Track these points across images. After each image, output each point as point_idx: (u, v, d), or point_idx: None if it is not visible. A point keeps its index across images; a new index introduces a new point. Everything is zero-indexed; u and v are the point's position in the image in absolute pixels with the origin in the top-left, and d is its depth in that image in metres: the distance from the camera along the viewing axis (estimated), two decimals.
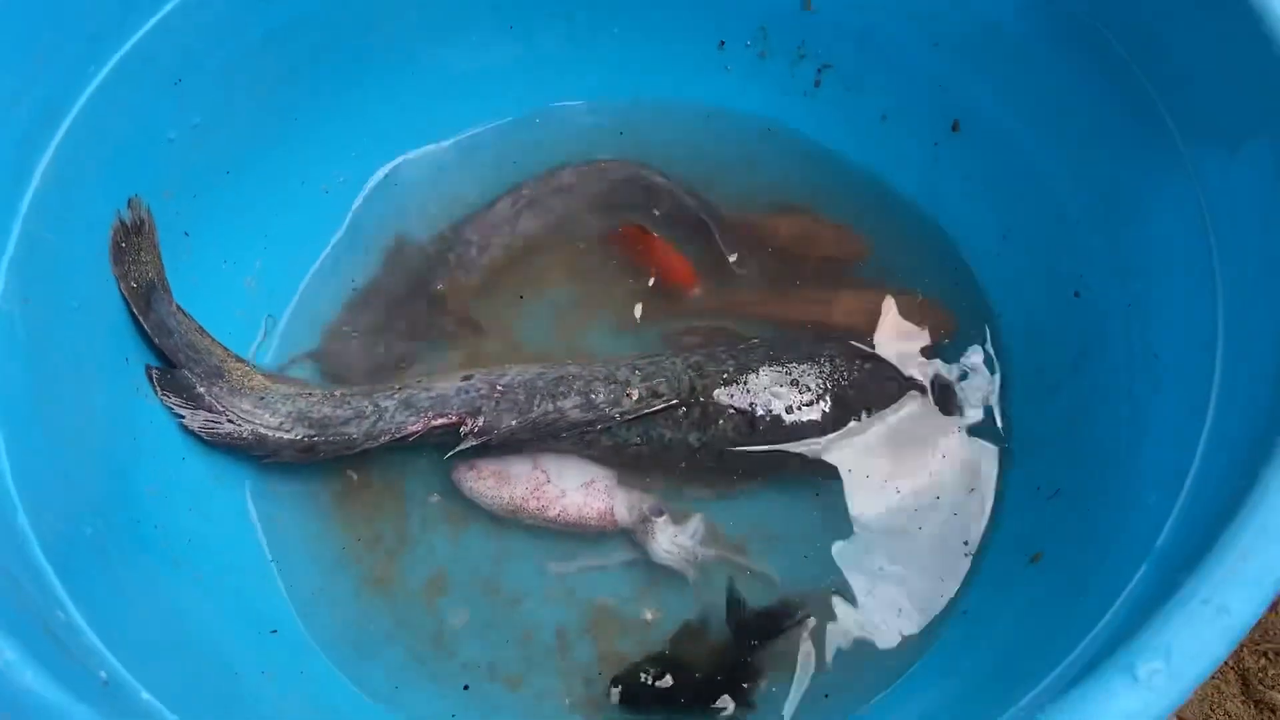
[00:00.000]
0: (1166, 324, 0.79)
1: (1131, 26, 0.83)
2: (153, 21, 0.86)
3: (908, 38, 1.02)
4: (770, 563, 0.95)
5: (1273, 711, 0.91)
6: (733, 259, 1.07)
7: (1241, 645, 0.94)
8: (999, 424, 0.97)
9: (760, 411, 0.95)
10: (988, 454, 0.96)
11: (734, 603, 0.90)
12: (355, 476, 0.98)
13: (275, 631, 0.88)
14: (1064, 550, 0.82)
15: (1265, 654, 0.93)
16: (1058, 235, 0.95)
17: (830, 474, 0.97)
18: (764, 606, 0.90)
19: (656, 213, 1.10)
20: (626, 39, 1.12)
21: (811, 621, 0.90)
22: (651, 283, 1.06)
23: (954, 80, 1.01)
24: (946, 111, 1.03)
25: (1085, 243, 0.92)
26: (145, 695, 0.60)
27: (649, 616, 0.92)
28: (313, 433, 0.94)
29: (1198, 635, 0.50)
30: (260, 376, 0.96)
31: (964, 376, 0.99)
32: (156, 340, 0.90)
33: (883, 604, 0.91)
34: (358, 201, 1.10)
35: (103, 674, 0.59)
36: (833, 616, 0.91)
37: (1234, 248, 0.73)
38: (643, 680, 0.86)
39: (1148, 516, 0.68)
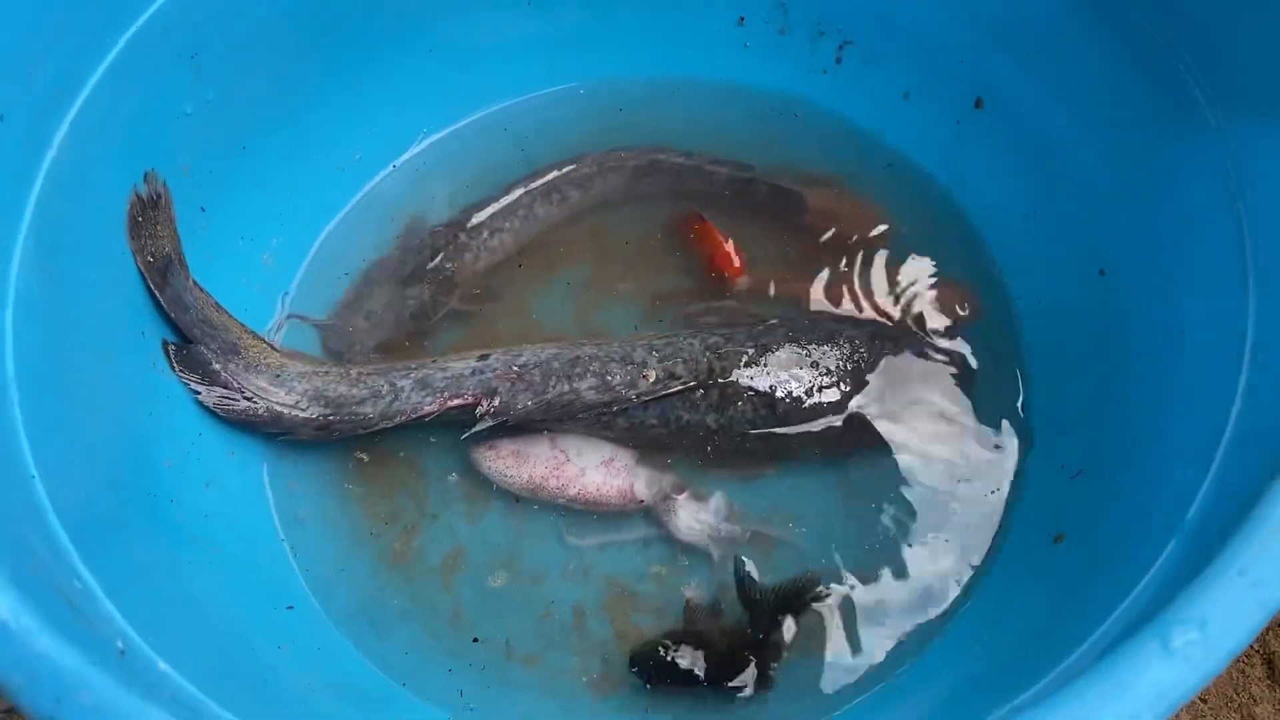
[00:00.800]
0: (1195, 299, 0.78)
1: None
2: None
3: (930, 13, 1.01)
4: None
5: None
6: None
7: (1267, 629, 0.93)
8: (1021, 404, 0.96)
9: (780, 394, 0.94)
10: (1010, 434, 0.95)
11: (743, 581, 0.89)
12: (365, 458, 0.97)
13: (291, 607, 0.88)
14: (1088, 529, 0.81)
15: None
16: (1083, 213, 0.93)
17: (850, 454, 0.96)
18: (778, 583, 0.89)
19: (725, 193, 1.09)
20: (646, 16, 1.11)
21: (829, 597, 0.89)
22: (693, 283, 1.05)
23: (977, 56, 1.00)
24: (969, 88, 1.02)
25: (1112, 220, 0.90)
26: (162, 665, 0.60)
27: (666, 598, 0.92)
28: (328, 411, 0.93)
29: (1234, 606, 0.49)
30: (276, 354, 0.96)
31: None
32: (173, 315, 0.90)
33: (903, 583, 0.90)
34: (373, 180, 1.09)
35: (119, 643, 0.58)
36: (854, 595, 0.90)
37: (1265, 220, 0.72)
38: (662, 655, 0.85)
39: (1177, 492, 0.67)
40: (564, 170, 1.08)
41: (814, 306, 1.03)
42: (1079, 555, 0.81)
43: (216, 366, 0.91)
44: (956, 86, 1.03)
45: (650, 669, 0.85)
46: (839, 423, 0.95)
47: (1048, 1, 0.91)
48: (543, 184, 1.08)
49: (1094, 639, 0.61)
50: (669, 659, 0.85)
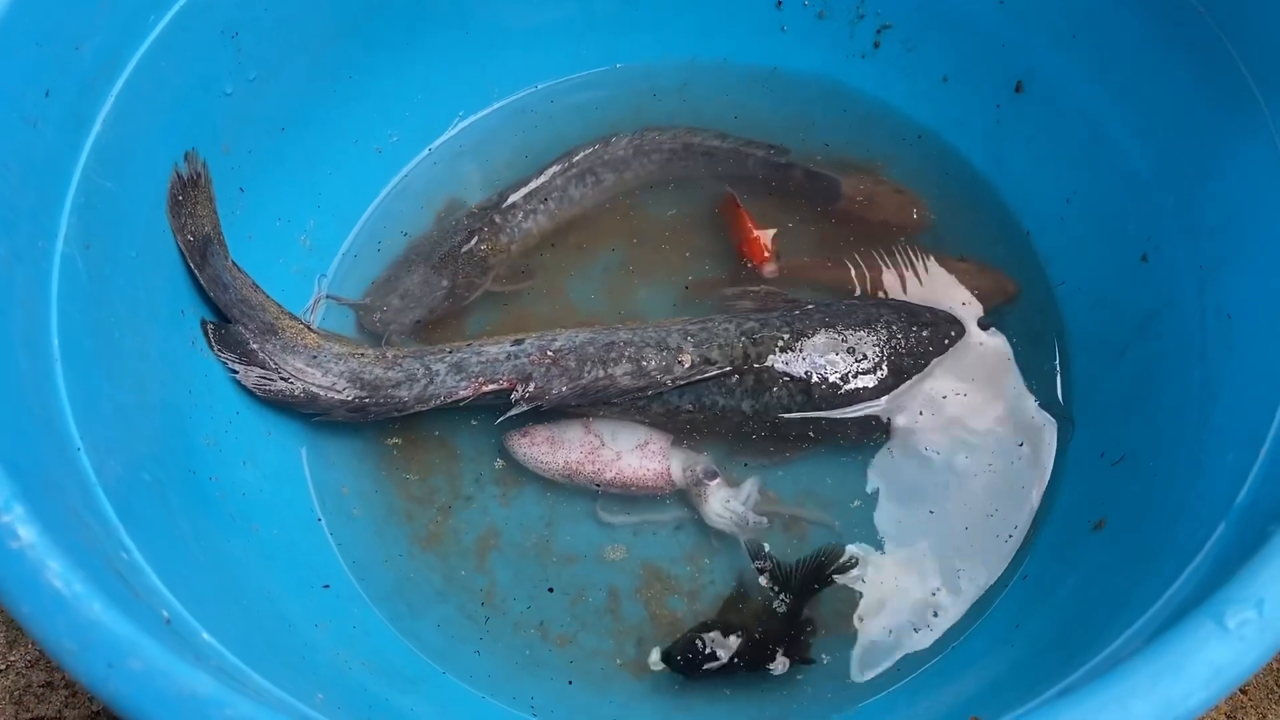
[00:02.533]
0: (1241, 283, 0.77)
1: None
2: None
3: None
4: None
5: None
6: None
7: None
8: (1060, 392, 0.95)
9: (816, 379, 0.94)
10: (1048, 421, 0.94)
11: (764, 563, 0.88)
12: (401, 441, 0.97)
13: (328, 586, 0.88)
14: (1130, 515, 0.81)
15: None
16: (1127, 198, 0.92)
17: (886, 439, 0.95)
18: (803, 559, 0.88)
19: (760, 176, 1.09)
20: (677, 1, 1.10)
21: (854, 568, 0.89)
22: (745, 263, 1.05)
23: (1018, 40, 0.99)
24: (1010, 72, 1.01)
25: (1157, 204, 0.89)
26: (206, 636, 0.60)
27: (699, 582, 0.91)
28: (364, 394, 0.93)
29: None
30: (313, 335, 0.96)
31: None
32: (212, 294, 0.90)
33: (940, 569, 0.89)
34: (410, 163, 1.10)
35: (165, 613, 0.59)
36: (889, 580, 0.90)
37: None
38: (700, 648, 0.85)
39: (1225, 476, 0.66)
40: (598, 151, 1.08)
41: (850, 292, 1.03)
42: (1121, 541, 0.80)
43: (254, 346, 0.92)
44: (997, 70, 1.02)
45: (688, 662, 0.84)
46: (875, 408, 0.95)
47: None
48: (577, 166, 1.08)
49: (1141, 622, 0.60)
50: (706, 651, 0.85)
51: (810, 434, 0.95)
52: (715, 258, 1.06)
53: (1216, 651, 0.47)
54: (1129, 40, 0.89)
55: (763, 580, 0.90)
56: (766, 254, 1.03)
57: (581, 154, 1.08)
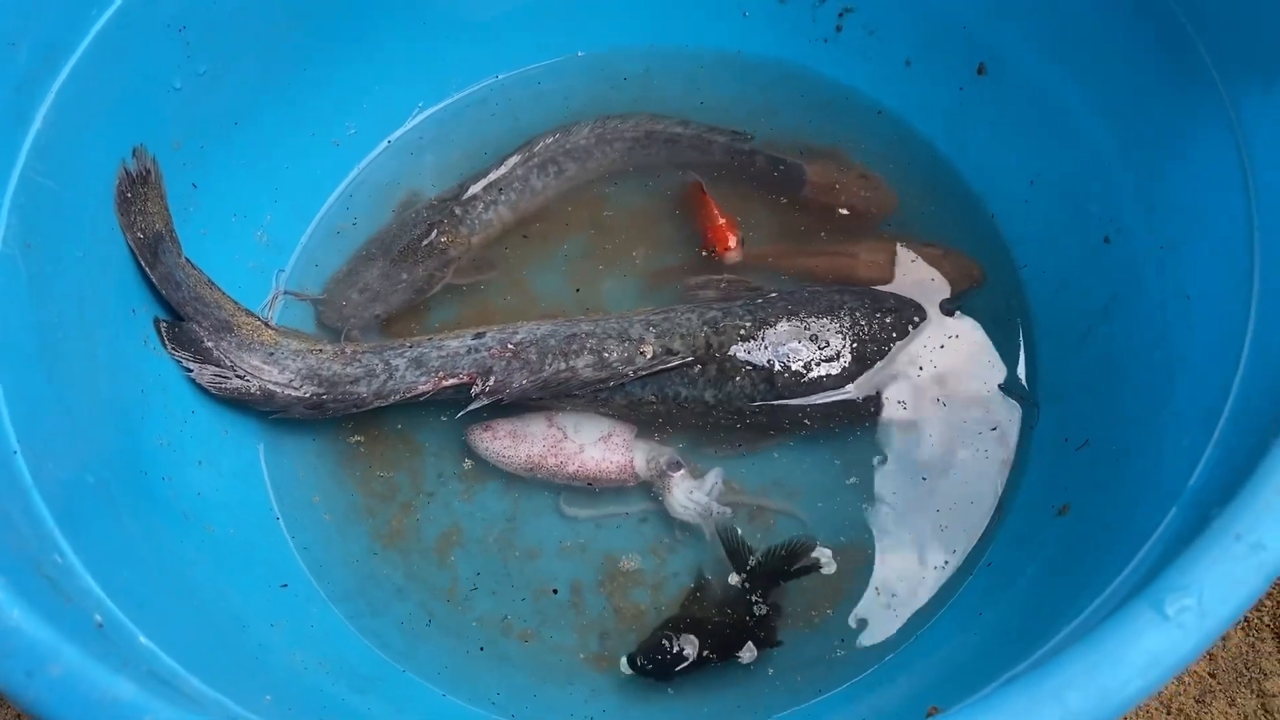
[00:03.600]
0: (1201, 263, 0.76)
1: None
2: None
3: None
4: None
5: None
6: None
7: (1277, 602, 0.91)
8: (1024, 376, 0.94)
9: (779, 368, 0.93)
10: (1013, 406, 0.93)
11: (734, 548, 0.88)
12: (363, 437, 0.96)
13: (285, 585, 0.87)
14: (1093, 500, 0.80)
15: None
16: (1089, 179, 0.91)
17: (850, 428, 0.94)
18: (772, 547, 0.88)
19: (723, 163, 1.08)
20: None
21: (822, 558, 0.88)
22: (703, 252, 1.03)
23: (979, 22, 0.98)
24: (972, 54, 1.00)
25: (1118, 185, 0.88)
26: (143, 639, 0.59)
27: (663, 574, 0.91)
28: (322, 390, 0.92)
29: (1231, 572, 0.47)
30: (271, 331, 0.95)
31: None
32: (164, 292, 0.89)
33: (905, 556, 0.89)
34: (368, 156, 1.08)
35: (98, 617, 0.58)
36: (855, 568, 0.89)
37: (1271, 181, 0.70)
38: (666, 648, 0.84)
39: (1180, 459, 0.66)
40: (559, 141, 1.06)
41: (814, 279, 1.01)
42: (1084, 527, 0.79)
43: (209, 344, 0.91)
44: (959, 53, 1.00)
45: (657, 666, 0.83)
46: (839, 396, 0.94)
47: None
48: (538, 156, 1.06)
49: (1091, 610, 0.59)
50: (673, 651, 0.84)
51: (776, 422, 0.94)
52: (679, 246, 1.05)
53: (1154, 640, 0.46)
54: (1089, 20, 0.88)
55: (733, 573, 0.89)
56: (730, 242, 1.02)
57: (542, 144, 1.07)
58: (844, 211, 1.04)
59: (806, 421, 0.94)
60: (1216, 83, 0.76)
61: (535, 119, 1.11)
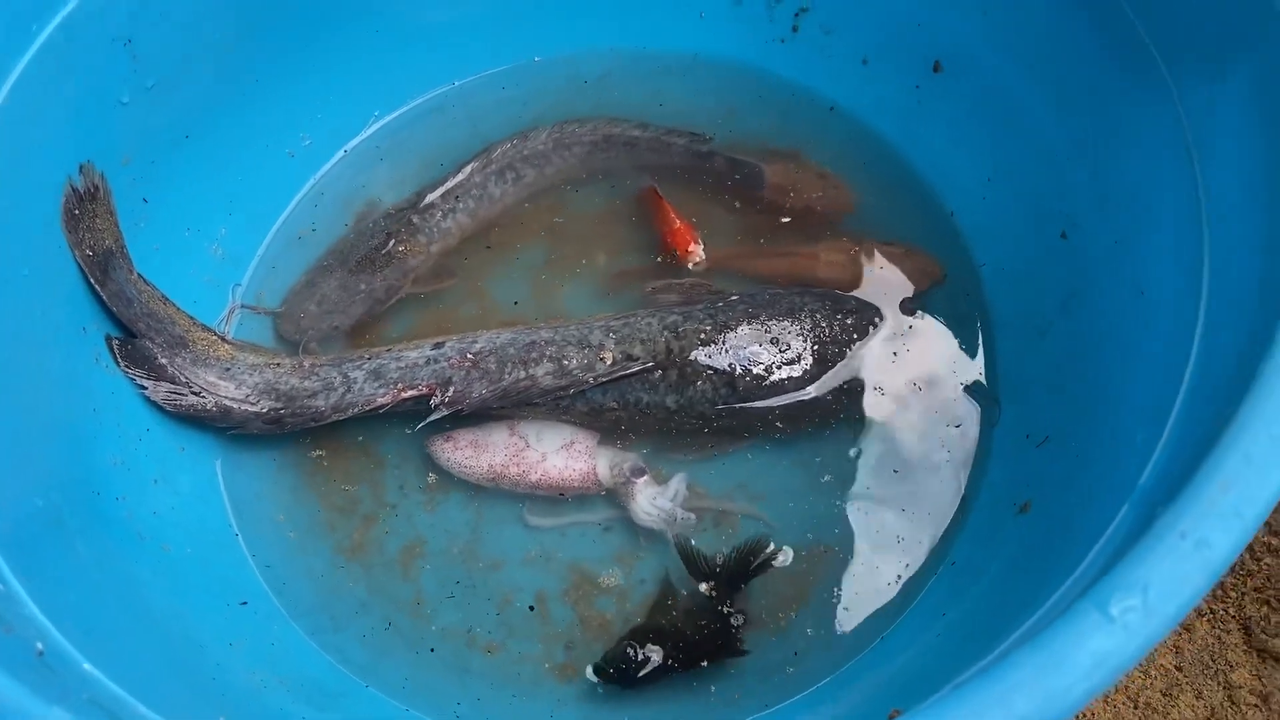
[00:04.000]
0: (1153, 258, 0.76)
1: None
2: None
3: None
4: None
5: (1277, 661, 0.88)
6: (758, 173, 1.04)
7: (1243, 593, 0.91)
8: (985, 374, 0.94)
9: (740, 371, 0.92)
10: (975, 404, 0.93)
11: (691, 556, 0.87)
12: (323, 450, 0.95)
13: (245, 603, 0.86)
14: (1053, 498, 0.80)
15: (1268, 601, 0.90)
16: (1044, 174, 0.91)
17: (814, 429, 0.94)
18: (729, 552, 0.87)
19: (682, 166, 1.07)
20: None
21: (781, 559, 0.88)
22: (659, 258, 1.03)
23: (934, 19, 0.98)
24: (927, 52, 1.00)
25: (1072, 180, 0.88)
26: (86, 666, 0.58)
27: (628, 582, 0.90)
28: (279, 405, 0.91)
29: (1176, 571, 0.47)
30: (227, 346, 0.94)
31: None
32: (116, 310, 0.88)
33: (869, 557, 0.88)
34: (325, 166, 1.07)
35: (39, 645, 0.57)
36: (820, 570, 0.89)
37: (1218, 174, 0.70)
38: (630, 656, 0.83)
39: (1133, 456, 0.65)
40: (517, 147, 1.06)
41: (775, 280, 1.01)
42: (1045, 524, 0.79)
43: (163, 361, 0.90)
44: (914, 51, 1.00)
45: (621, 674, 0.83)
46: (802, 398, 0.93)
47: None
48: (496, 163, 1.06)
49: (1044, 610, 0.59)
50: (638, 659, 0.83)
51: (739, 426, 0.94)
52: (640, 251, 1.05)
53: (1100, 641, 0.46)
54: (1041, 16, 0.88)
55: (692, 577, 0.88)
56: (690, 246, 1.01)
57: (500, 150, 1.06)
58: (804, 211, 1.04)
59: (771, 424, 0.94)
60: (1165, 77, 0.76)
61: (494, 125, 1.10)
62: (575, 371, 0.92)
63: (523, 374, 0.92)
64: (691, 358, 0.92)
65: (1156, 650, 0.90)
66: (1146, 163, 0.78)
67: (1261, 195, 0.63)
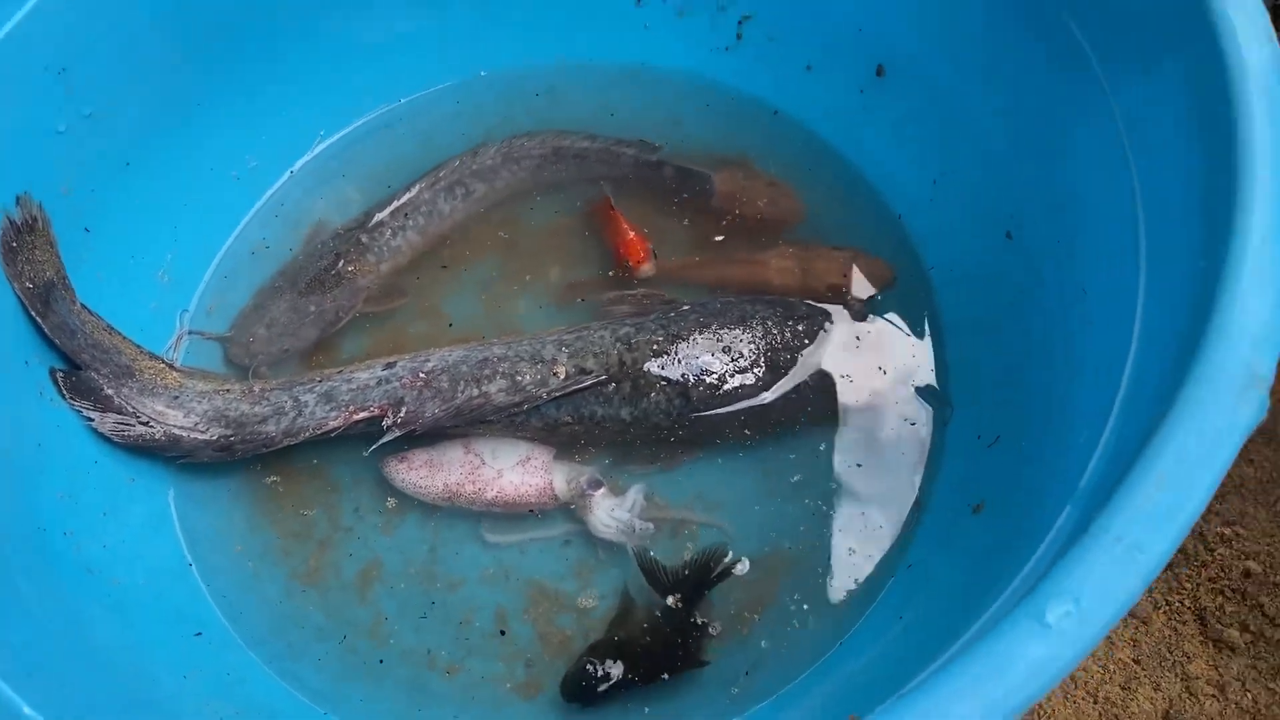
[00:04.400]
0: (1093, 258, 0.76)
1: None
2: (28, 6, 0.82)
3: None
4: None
5: (1232, 650, 0.89)
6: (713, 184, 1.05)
7: (1198, 584, 0.92)
8: (937, 376, 0.95)
9: (693, 381, 0.92)
10: (928, 405, 0.93)
11: (650, 568, 0.87)
12: (278, 476, 0.94)
13: (199, 634, 0.85)
14: (1005, 498, 0.80)
15: (1222, 591, 0.91)
16: (988, 176, 0.92)
17: (769, 436, 0.94)
18: (686, 561, 0.87)
19: (632, 176, 1.07)
20: (541, 2, 1.09)
21: (739, 565, 0.88)
22: (612, 270, 1.03)
23: (874, 24, 0.98)
24: (870, 57, 1.00)
25: (1016, 181, 0.89)
26: (27, 710, 0.57)
27: (588, 596, 0.90)
28: (229, 432, 0.90)
29: (1110, 575, 0.47)
30: (175, 374, 0.93)
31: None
32: (58, 341, 0.87)
33: (827, 562, 0.88)
34: (271, 188, 1.07)
35: None
36: (778, 577, 0.89)
37: (1153, 175, 0.70)
38: (590, 673, 0.83)
39: (1077, 456, 0.66)
40: (466, 162, 1.05)
41: (727, 288, 1.01)
42: (998, 524, 0.79)
43: (109, 391, 0.89)
44: (857, 56, 1.01)
45: (582, 692, 0.83)
46: (756, 406, 0.93)
47: None
48: (445, 179, 1.05)
49: (991, 612, 0.59)
50: (599, 675, 0.83)
51: (695, 435, 0.94)
52: (593, 262, 1.05)
53: (1037, 649, 0.46)
54: (978, 19, 0.89)
55: (652, 589, 0.88)
56: (641, 256, 1.01)
57: (449, 166, 1.06)
58: (755, 218, 1.04)
59: (727, 432, 0.94)
60: (1100, 78, 0.77)
61: (443, 141, 1.10)
62: (528, 387, 0.92)
63: (476, 392, 0.92)
64: (645, 369, 0.92)
65: (1115, 645, 0.91)
66: (1085, 163, 0.79)
67: (1195, 196, 0.64)
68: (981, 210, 0.93)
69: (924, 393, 0.94)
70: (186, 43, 0.95)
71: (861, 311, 0.98)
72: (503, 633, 0.89)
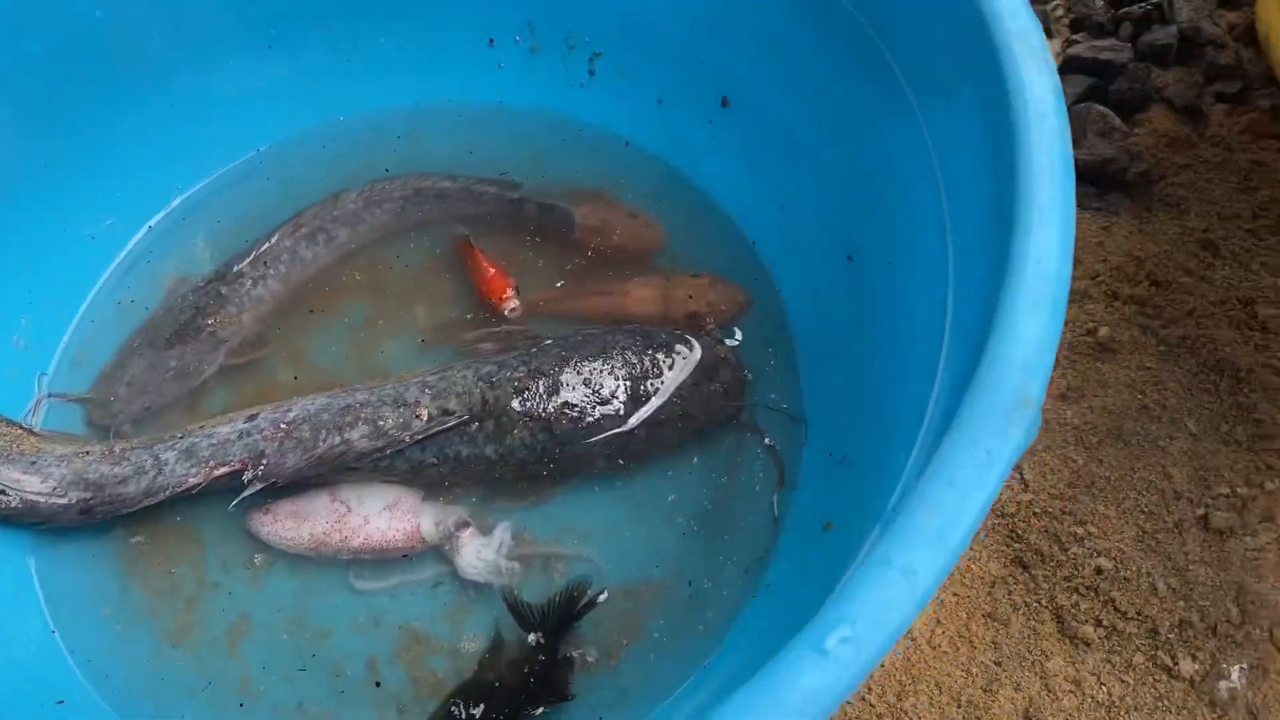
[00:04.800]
0: (917, 281, 0.79)
1: None
2: None
3: (668, 18, 1.02)
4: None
5: (1087, 645, 0.92)
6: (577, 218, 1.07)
7: (1054, 584, 0.95)
8: (791, 397, 0.97)
9: (556, 416, 0.93)
10: (784, 426, 0.96)
11: (516, 606, 0.88)
12: (143, 540, 0.94)
13: (62, 701, 0.84)
14: (849, 516, 0.82)
15: (1076, 589, 0.94)
16: (828, 201, 0.95)
17: (635, 465, 0.96)
18: (550, 597, 0.88)
19: (494, 213, 1.09)
20: (394, 45, 1.10)
21: (603, 595, 0.89)
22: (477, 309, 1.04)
23: (716, 57, 1.01)
24: (715, 89, 1.03)
25: (852, 205, 0.92)
26: None
27: (459, 637, 0.90)
28: (88, 495, 0.90)
29: (884, 600, 0.49)
30: (33, 439, 0.92)
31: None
32: None
33: (694, 587, 0.90)
34: (128, 245, 1.06)
35: None
36: (648, 605, 0.90)
37: (957, 198, 0.73)
38: (454, 715, 0.84)
39: (896, 477, 0.68)
40: (326, 208, 1.06)
41: (591, 321, 1.03)
42: (843, 542, 0.81)
43: None
44: (704, 88, 1.03)
45: None
46: (620, 436, 0.95)
47: (771, 1, 0.92)
48: (306, 226, 1.06)
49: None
50: (464, 715, 0.84)
51: (561, 469, 0.95)
52: (460, 302, 1.06)
53: (812, 678, 0.48)
54: (809, 52, 0.91)
55: (520, 627, 0.89)
56: (504, 293, 1.02)
57: (309, 213, 1.06)
58: (616, 250, 1.06)
59: (596, 463, 0.95)
60: (914, 106, 0.80)
61: (304, 189, 1.10)
62: (391, 431, 0.93)
63: (338, 439, 0.92)
64: (508, 406, 0.93)
65: (977, 648, 0.94)
66: (907, 188, 0.81)
67: (987, 222, 0.66)
68: (824, 234, 0.95)
69: (781, 412, 0.96)
70: (29, 103, 0.95)
71: (719, 335, 1.00)
72: (378, 684, 0.89)
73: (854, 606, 0.49)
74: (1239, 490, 0.96)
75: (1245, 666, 0.90)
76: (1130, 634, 0.92)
